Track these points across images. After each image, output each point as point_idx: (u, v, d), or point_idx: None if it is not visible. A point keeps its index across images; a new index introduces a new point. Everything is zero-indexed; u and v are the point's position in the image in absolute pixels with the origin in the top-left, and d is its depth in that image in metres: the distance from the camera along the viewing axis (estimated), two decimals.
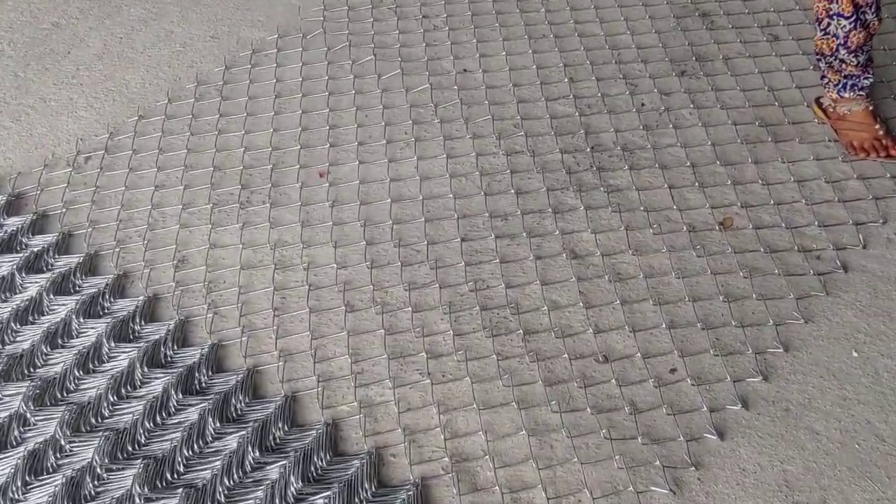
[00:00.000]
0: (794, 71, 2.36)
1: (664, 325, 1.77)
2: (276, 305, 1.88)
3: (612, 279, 1.87)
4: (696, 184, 2.06)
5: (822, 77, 2.14)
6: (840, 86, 2.10)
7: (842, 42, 2.02)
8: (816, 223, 1.95)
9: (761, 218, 1.98)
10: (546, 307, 1.83)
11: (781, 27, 2.51)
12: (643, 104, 2.29)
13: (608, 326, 1.79)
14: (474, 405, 1.66)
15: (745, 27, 2.52)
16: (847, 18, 1.99)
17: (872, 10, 1.99)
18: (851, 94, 2.10)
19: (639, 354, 1.73)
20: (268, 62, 2.53)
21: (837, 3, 1.98)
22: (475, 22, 2.61)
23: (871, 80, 2.08)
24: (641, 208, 2.01)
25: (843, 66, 2.06)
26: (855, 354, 1.71)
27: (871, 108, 2.11)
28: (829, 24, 2.03)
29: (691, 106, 2.27)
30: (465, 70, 2.45)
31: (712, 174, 2.09)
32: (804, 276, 1.85)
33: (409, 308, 1.85)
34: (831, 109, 2.15)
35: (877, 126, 2.10)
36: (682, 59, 2.43)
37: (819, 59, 2.11)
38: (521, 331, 1.79)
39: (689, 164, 2.11)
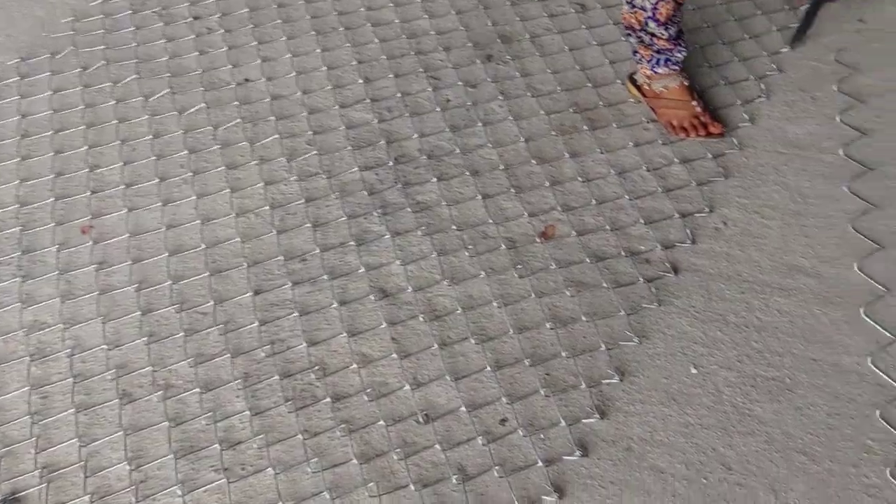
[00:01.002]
0: (605, 44, 2.18)
1: (489, 368, 1.57)
2: (34, 409, 1.55)
3: (428, 318, 1.65)
4: (512, 189, 1.86)
5: (634, 53, 1.97)
6: (653, 61, 1.93)
7: (650, 15, 1.85)
8: (642, 220, 1.79)
9: (585, 222, 1.80)
10: (356, 364, 1.58)
11: None
12: (448, 100, 2.06)
13: (427, 377, 1.57)
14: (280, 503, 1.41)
15: None
16: None
17: None
18: (665, 69, 1.93)
19: (463, 408, 1.52)
20: (8, 94, 2.13)
21: None
22: (254, 19, 2.29)
23: (685, 52, 1.92)
24: (454, 227, 1.79)
25: (654, 39, 1.89)
26: (694, 371, 1.56)
27: (686, 83, 1.96)
28: None
29: (500, 97, 2.05)
30: (246, 80, 2.13)
31: (528, 175, 1.89)
32: (634, 285, 1.68)
33: (198, 388, 1.57)
34: (646, 87, 1.98)
35: (694, 102, 1.95)
36: (487, 43, 2.20)
37: (628, 34, 1.93)
38: (328, 398, 1.54)
39: (502, 166, 1.90)
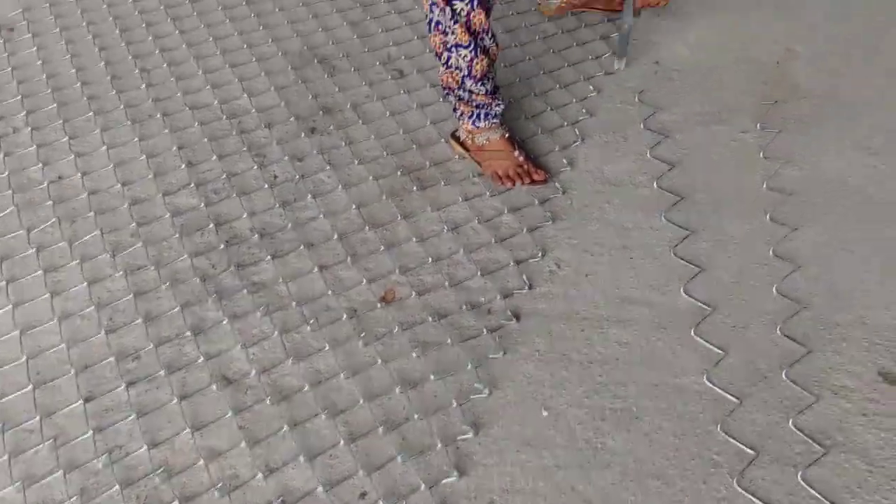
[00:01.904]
0: (425, 106, 2.23)
1: (342, 442, 1.53)
2: None
3: (275, 400, 1.59)
4: (349, 258, 1.85)
5: (455, 110, 2.02)
6: (473, 116, 1.99)
7: (466, 73, 1.91)
8: (479, 272, 1.82)
9: (423, 281, 1.81)
10: (203, 459, 1.50)
11: (404, 61, 2.38)
12: (276, 176, 2.04)
13: (280, 461, 1.51)
14: None
15: (368, 67, 2.36)
16: (466, 48, 1.87)
17: (490, 35, 1.89)
18: (486, 123, 2.00)
19: (320, 488, 1.47)
20: None
21: (453, 34, 1.86)
22: (63, 114, 2.20)
23: (503, 106, 2.00)
24: (294, 303, 1.75)
25: (473, 96, 1.95)
26: (545, 413, 1.58)
27: (506, 134, 2.03)
28: (449, 57, 1.90)
29: (328, 167, 2.05)
30: (59, 177, 2.03)
31: (363, 242, 1.89)
32: (478, 337, 1.70)
33: None
34: (469, 142, 2.04)
35: (516, 153, 2.02)
36: (310, 115, 2.21)
37: (447, 93, 1.98)
38: (177, 500, 1.45)
39: (336, 236, 1.89)
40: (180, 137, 2.14)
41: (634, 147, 2.12)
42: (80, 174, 2.04)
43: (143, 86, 2.29)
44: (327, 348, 1.68)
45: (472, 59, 1.89)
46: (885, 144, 2.13)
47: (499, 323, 1.73)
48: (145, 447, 1.53)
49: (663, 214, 1.94)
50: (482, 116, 1.99)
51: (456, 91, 1.96)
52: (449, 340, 1.69)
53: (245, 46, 2.42)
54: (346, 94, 2.27)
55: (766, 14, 2.57)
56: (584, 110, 2.22)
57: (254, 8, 2.57)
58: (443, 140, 2.12)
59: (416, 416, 1.57)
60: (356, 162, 2.07)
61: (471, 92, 1.95)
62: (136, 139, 2.13)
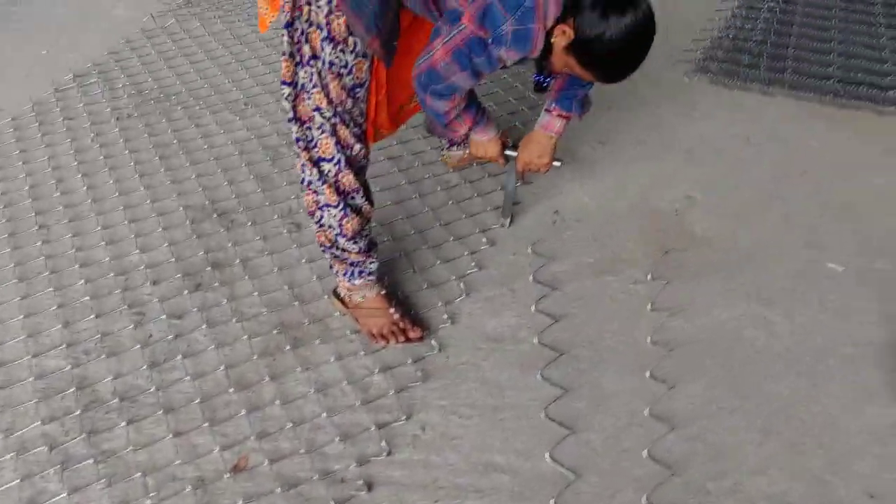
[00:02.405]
0: (315, 261, 2.21)
1: None
2: None
3: None
4: (207, 423, 1.78)
5: (331, 267, 2.00)
6: (348, 274, 1.97)
7: (338, 232, 1.90)
8: (338, 437, 1.74)
9: (280, 447, 1.73)
10: None
11: (302, 214, 2.38)
12: (150, 336, 2.00)
13: None
14: None
15: (265, 221, 2.36)
16: (335, 207, 1.87)
17: (361, 194, 1.89)
18: (361, 280, 1.97)
19: None
20: None
21: (322, 194, 1.86)
22: None
23: (377, 263, 1.97)
24: (139, 473, 1.68)
25: (346, 254, 1.93)
26: None
27: (383, 291, 2.00)
28: (321, 216, 1.90)
29: (205, 326, 2.02)
30: None
31: (226, 405, 1.83)
32: None
33: None
34: (347, 299, 2.00)
35: (392, 310, 1.98)
36: (198, 271, 2.19)
37: (323, 250, 1.97)
38: None
39: (198, 399, 1.83)
40: (63, 295, 2.11)
41: (521, 300, 2.08)
42: None
43: (39, 243, 2.29)
44: None
45: (342, 219, 1.89)
46: (778, 294, 2.08)
47: (348, 494, 1.64)
48: None
49: (541, 372, 1.88)
50: (356, 274, 1.97)
51: (330, 248, 1.94)
52: None
53: (149, 201, 2.44)
54: (238, 248, 2.26)
55: (672, 163, 2.59)
56: (473, 263, 2.20)
57: (165, 162, 2.61)
58: (326, 296, 2.09)
59: None
60: (234, 320, 2.04)
61: (344, 250, 1.94)
62: (18, 298, 2.11)
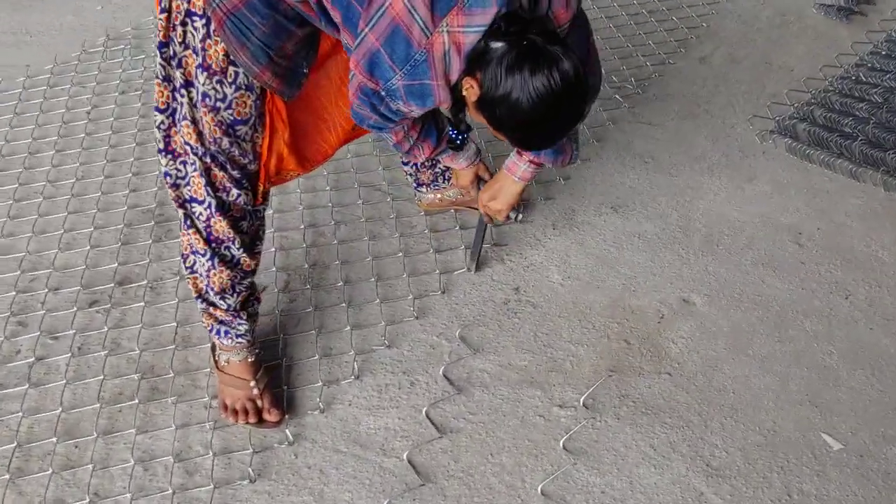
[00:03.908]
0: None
1: None
2: None
3: None
4: (8, 475, 1.60)
5: (202, 319, 1.74)
6: (214, 331, 1.71)
7: (205, 283, 1.64)
8: None
9: None
10: None
11: None
12: (18, 352, 1.85)
13: None
14: None
15: None
16: (202, 256, 1.62)
17: (237, 245, 1.62)
18: (230, 341, 1.71)
19: None
20: None
21: (192, 237, 1.61)
22: None
23: (247, 325, 1.70)
24: None
25: (214, 309, 1.67)
26: None
27: (251, 359, 1.73)
28: (194, 262, 1.65)
29: (70, 354, 1.84)
30: None
31: (42, 457, 1.65)
32: None
33: None
34: (216, 357, 1.75)
35: (252, 383, 1.70)
36: (101, 285, 2.03)
37: (195, 299, 1.71)
38: None
39: (14, 444, 1.66)
40: None
41: (417, 398, 1.75)
42: None
43: None
44: None
45: (209, 269, 1.63)
46: (736, 468, 1.61)
47: None
48: None
49: (389, 500, 1.55)
50: (223, 333, 1.71)
51: (198, 299, 1.69)
52: None
53: (100, 193, 2.29)
54: (158, 265, 2.07)
55: (684, 251, 2.12)
56: (384, 339, 1.87)
57: (140, 149, 2.45)
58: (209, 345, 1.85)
59: None
60: (105, 352, 1.84)
61: (211, 304, 1.67)
62: None
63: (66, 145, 2.47)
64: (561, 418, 1.71)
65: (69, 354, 1.85)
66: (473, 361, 1.82)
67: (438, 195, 2.17)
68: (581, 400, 1.73)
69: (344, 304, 1.96)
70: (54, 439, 1.67)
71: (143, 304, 1.96)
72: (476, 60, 1.34)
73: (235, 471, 1.62)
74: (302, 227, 2.17)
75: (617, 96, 2.66)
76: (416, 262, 2.07)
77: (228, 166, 1.56)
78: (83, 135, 2.51)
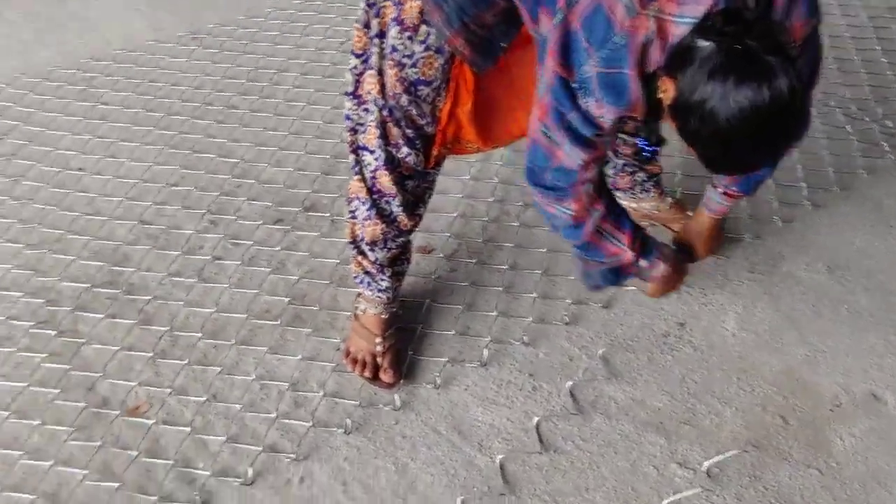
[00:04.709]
0: None
1: None
2: None
3: None
4: (152, 353, 1.76)
5: (350, 262, 1.77)
6: (359, 279, 1.74)
7: (360, 230, 1.67)
8: (226, 436, 1.60)
9: (176, 414, 1.65)
10: None
11: None
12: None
13: None
14: None
15: None
16: (363, 204, 1.64)
17: (398, 202, 1.62)
18: (370, 293, 1.73)
19: None
20: None
21: (357, 184, 1.64)
22: None
23: (389, 283, 1.71)
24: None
25: (363, 258, 1.70)
26: None
27: (385, 315, 1.74)
28: (355, 208, 1.68)
29: (241, 262, 1.97)
30: None
31: (185, 347, 1.79)
32: None
33: None
34: (355, 304, 1.78)
35: (378, 339, 1.71)
36: (293, 209, 2.13)
37: (348, 244, 1.74)
38: None
39: (168, 328, 1.82)
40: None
41: (534, 405, 1.67)
42: None
43: None
44: None
45: (365, 219, 1.65)
46: None
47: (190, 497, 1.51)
48: None
49: (464, 500, 1.50)
50: (366, 284, 1.73)
51: (350, 244, 1.72)
52: None
53: None
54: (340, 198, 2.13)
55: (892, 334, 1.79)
56: (524, 333, 1.79)
57: None
58: None
59: None
60: (269, 270, 1.94)
61: (361, 252, 1.70)
62: None
63: (310, 70, 2.61)
64: (676, 477, 1.54)
65: (240, 262, 1.96)
66: (606, 386, 1.69)
67: (634, 204, 2.02)
68: (706, 465, 1.55)
69: (500, 289, 1.90)
70: (199, 334, 1.80)
71: (318, 234, 2.03)
72: (678, 58, 1.17)
73: (336, 416, 1.64)
74: (490, 199, 2.12)
75: (884, 143, 2.30)
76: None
77: (404, 123, 1.55)
78: (328, 63, 2.63)
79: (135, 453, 1.58)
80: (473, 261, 1.97)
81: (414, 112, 1.54)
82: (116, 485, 1.52)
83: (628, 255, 1.48)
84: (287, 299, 1.87)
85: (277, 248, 2.00)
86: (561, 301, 1.87)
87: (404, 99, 1.51)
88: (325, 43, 2.71)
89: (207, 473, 1.54)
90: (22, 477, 1.56)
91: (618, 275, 1.53)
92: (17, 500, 1.52)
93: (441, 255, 1.98)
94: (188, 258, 1.98)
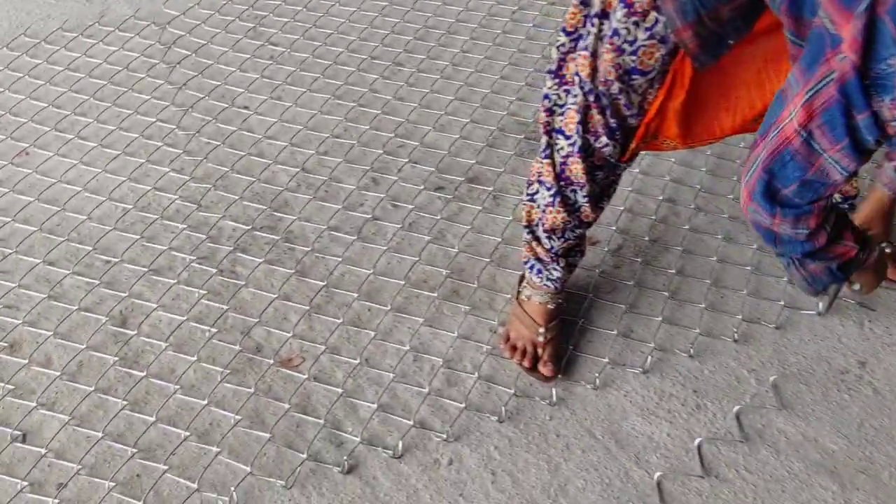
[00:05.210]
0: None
1: None
2: None
3: None
4: (308, 306, 1.74)
5: (522, 247, 1.71)
6: (529, 264, 1.67)
7: (540, 216, 1.60)
8: (376, 404, 1.57)
9: (328, 374, 1.63)
10: None
11: None
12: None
13: None
14: None
15: None
16: (548, 190, 1.57)
17: (584, 192, 1.54)
18: (539, 280, 1.66)
19: None
20: None
21: (545, 168, 1.57)
22: None
23: (561, 274, 1.64)
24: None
25: (537, 244, 1.64)
26: None
27: (551, 306, 1.67)
28: (536, 191, 1.61)
29: (408, 226, 1.93)
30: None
31: (341, 306, 1.76)
32: None
33: None
34: (520, 286, 1.72)
35: (542, 329, 1.65)
36: (453, 178, 2.07)
37: (522, 227, 1.67)
38: None
39: (324, 283, 1.79)
40: None
41: (693, 425, 1.58)
42: None
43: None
44: None
45: (547, 205, 1.58)
46: None
47: (337, 460, 1.49)
48: None
49: None
50: (535, 270, 1.66)
51: (526, 228, 1.65)
52: None
53: None
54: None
55: None
56: (691, 346, 1.70)
57: None
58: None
59: None
60: (428, 237, 1.90)
61: (536, 238, 1.63)
62: None
63: (480, 35, 2.53)
64: None
65: (399, 226, 1.92)
66: (776, 416, 1.59)
67: None
68: None
69: (666, 294, 1.80)
70: (355, 294, 1.77)
71: (480, 207, 1.97)
72: None
73: (489, 402, 1.59)
74: (660, 198, 2.02)
75: None
76: (762, 283, 1.83)
77: (608, 112, 1.45)
78: (499, 31, 2.55)
79: (286, 406, 1.56)
80: (639, 260, 1.87)
81: (622, 101, 1.44)
82: (267, 435, 1.51)
83: (853, 250, 1.35)
84: (445, 272, 1.82)
85: (438, 217, 1.95)
86: (730, 316, 1.76)
87: (616, 87, 1.42)
88: (498, 9, 2.62)
89: (357, 440, 1.51)
90: (176, 411, 1.56)
91: (845, 270, 1.39)
92: (171, 433, 1.52)
93: (606, 248, 1.89)
94: (348, 214, 1.95)
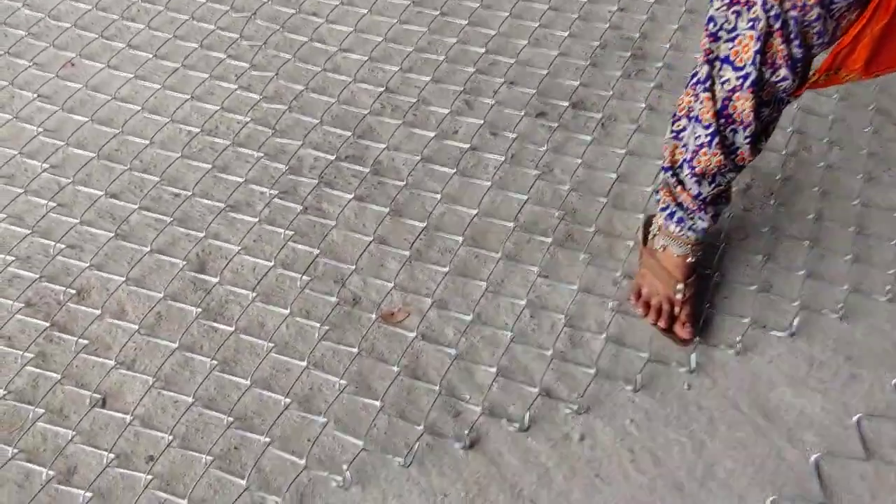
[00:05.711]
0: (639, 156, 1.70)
1: None
2: None
3: None
4: (414, 258, 1.55)
5: (657, 191, 1.51)
6: (668, 211, 1.47)
7: (688, 157, 1.38)
8: (494, 369, 1.40)
9: (437, 331, 1.45)
10: None
11: None
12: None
13: None
14: None
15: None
16: (704, 128, 1.34)
17: (746, 133, 1.32)
18: (678, 229, 1.46)
19: None
20: None
21: (701, 103, 1.34)
22: None
23: (708, 224, 1.43)
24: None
25: (680, 189, 1.42)
26: None
27: (691, 259, 1.47)
28: (682, 127, 1.39)
29: (510, 158, 1.71)
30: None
31: (444, 251, 1.56)
32: None
33: None
34: (650, 236, 1.52)
35: (681, 286, 1.46)
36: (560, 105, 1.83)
37: (662, 170, 1.46)
38: None
39: (429, 226, 1.59)
40: None
41: (848, 398, 1.41)
42: None
43: None
44: None
45: (701, 146, 1.35)
46: None
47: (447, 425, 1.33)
48: None
49: (775, 501, 1.28)
50: (676, 219, 1.45)
51: (668, 170, 1.43)
52: None
53: None
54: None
55: None
56: (840, 306, 1.51)
57: None
58: (641, 216, 1.61)
59: None
60: (538, 173, 1.68)
61: (680, 183, 1.42)
62: None
63: None
64: None
65: (502, 158, 1.71)
66: None
67: None
68: None
69: (806, 243, 1.60)
70: (459, 239, 1.57)
71: (590, 137, 1.75)
72: None
73: (620, 367, 1.42)
74: (789, 129, 1.79)
75: None
76: None
77: (796, 41, 1.21)
78: None
79: (395, 369, 1.39)
80: (771, 202, 1.67)
81: (816, 28, 1.20)
82: (378, 403, 1.34)
83: None
84: (557, 213, 1.62)
85: (543, 148, 1.73)
86: (880, 271, 1.57)
87: (814, 12, 1.17)
88: None
89: (477, 410, 1.35)
90: (271, 373, 1.39)
91: None
92: (268, 399, 1.36)
93: (734, 187, 1.67)
94: (442, 143, 1.73)
